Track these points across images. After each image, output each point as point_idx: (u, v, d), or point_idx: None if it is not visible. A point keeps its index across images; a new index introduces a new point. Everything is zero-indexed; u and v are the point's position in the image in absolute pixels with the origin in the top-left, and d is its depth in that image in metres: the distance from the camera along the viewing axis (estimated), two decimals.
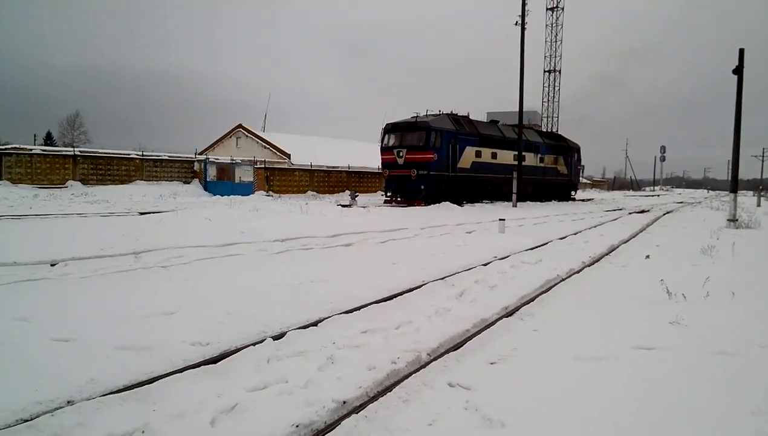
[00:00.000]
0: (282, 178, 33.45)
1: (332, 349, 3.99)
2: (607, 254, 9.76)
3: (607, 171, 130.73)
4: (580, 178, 47.22)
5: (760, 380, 3.55)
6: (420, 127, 23.69)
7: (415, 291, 6.00)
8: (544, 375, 3.64)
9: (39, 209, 14.64)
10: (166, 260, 7.60)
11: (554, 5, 52.58)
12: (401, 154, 23.81)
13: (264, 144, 38.12)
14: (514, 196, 25.29)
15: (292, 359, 3.79)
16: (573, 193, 37.74)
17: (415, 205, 22.66)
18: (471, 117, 27.73)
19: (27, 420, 2.75)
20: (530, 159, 30.22)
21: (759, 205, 30.09)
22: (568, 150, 35.72)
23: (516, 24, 26.68)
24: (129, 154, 27.71)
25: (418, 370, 3.69)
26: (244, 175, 29.11)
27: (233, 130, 40.80)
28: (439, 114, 25.32)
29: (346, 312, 4.99)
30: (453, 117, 25.79)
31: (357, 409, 3.07)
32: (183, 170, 29.35)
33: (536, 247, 10.15)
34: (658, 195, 64.97)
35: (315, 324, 4.59)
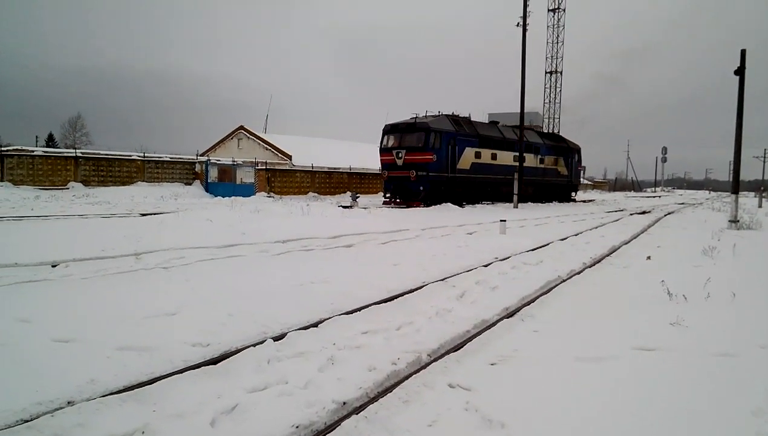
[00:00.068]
0: (283, 179, 33.49)
1: (332, 350, 4.00)
2: (608, 255, 9.75)
3: (609, 172, 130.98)
4: (581, 180, 47.20)
5: (760, 380, 3.55)
6: (419, 128, 23.66)
7: (415, 292, 6.00)
8: (545, 376, 3.64)
9: (40, 211, 14.66)
10: (167, 261, 7.61)
11: (556, 6, 52.57)
12: (400, 155, 23.80)
13: (265, 145, 38.17)
14: (515, 198, 25.28)
15: (292, 359, 3.79)
16: (573, 194, 37.72)
17: (414, 207, 22.64)
18: (472, 118, 27.72)
19: (27, 421, 2.75)
20: (530, 160, 30.19)
21: (760, 206, 30.01)
22: (568, 151, 35.69)
23: (517, 25, 26.72)
24: (130, 156, 27.75)
25: (418, 371, 3.69)
26: (246, 176, 29.13)
27: (234, 131, 40.89)
28: (438, 115, 25.30)
29: (347, 313, 4.99)
30: (452, 118, 25.78)
31: (357, 410, 3.07)
32: (184, 172, 29.40)
33: (537, 248, 10.14)
34: (660, 196, 64.91)
35: (315, 325, 4.59)
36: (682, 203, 39.65)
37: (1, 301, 5.12)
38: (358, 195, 25.17)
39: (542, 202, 30.95)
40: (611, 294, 6.34)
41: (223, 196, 24.90)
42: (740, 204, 16.69)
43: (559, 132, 48.38)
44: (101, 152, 27.74)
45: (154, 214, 14.11)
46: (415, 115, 24.69)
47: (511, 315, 5.29)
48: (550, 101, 54.00)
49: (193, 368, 3.49)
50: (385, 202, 25.27)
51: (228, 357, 3.72)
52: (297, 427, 2.84)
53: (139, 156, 28.00)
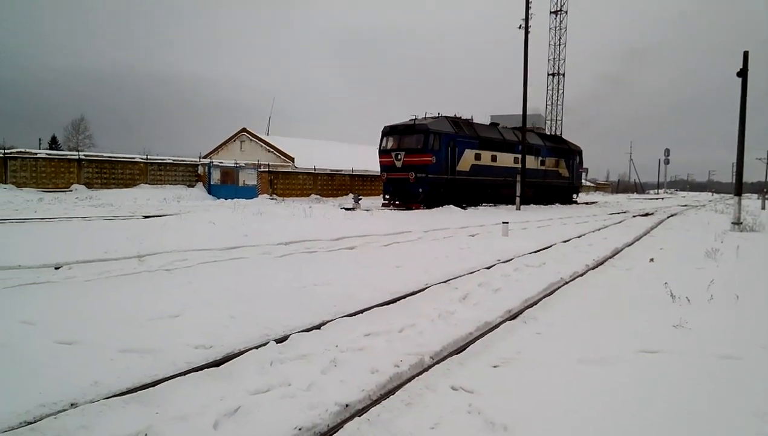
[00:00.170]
0: (286, 181, 33.54)
1: (335, 352, 4.00)
2: (610, 257, 9.73)
3: (611, 174, 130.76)
4: (583, 181, 47.14)
5: (762, 382, 3.54)
6: (418, 130, 23.63)
7: (418, 294, 6.00)
8: (548, 378, 3.63)
9: (44, 213, 14.70)
10: (170, 263, 7.62)
11: (558, 9, 52.56)
12: (399, 157, 23.78)
13: (268, 148, 38.23)
14: (517, 200, 25.25)
15: (295, 362, 3.79)
16: (574, 196, 37.65)
17: (413, 209, 22.63)
18: (475, 120, 27.71)
19: (30, 423, 2.76)
20: (531, 162, 30.16)
21: (763, 208, 29.92)
22: (569, 153, 35.64)
23: (519, 27, 26.75)
24: (133, 158, 27.83)
25: (421, 373, 3.69)
26: (248, 178, 29.18)
27: (237, 134, 40.97)
28: (438, 116, 25.28)
29: (350, 315, 4.99)
30: (452, 119, 25.77)
31: (360, 412, 3.07)
32: (187, 174, 29.46)
33: (540, 250, 10.13)
34: (662, 198, 64.71)
35: (318, 327, 4.59)
36: (685, 205, 39.55)
37: (4, 303, 5.14)
38: (360, 197, 25.19)
39: (543, 205, 30.90)
40: (614, 296, 6.33)
41: (226, 199, 24.94)
42: (743, 206, 16.62)
43: (561, 134, 48.31)
44: (104, 155, 27.82)
45: (157, 216, 14.15)
46: (414, 117, 24.69)
47: (513, 317, 5.28)
48: (552, 103, 53.95)
49: (196, 370, 3.50)
50: (384, 204, 25.26)
51: (231, 359, 3.72)
52: (300, 429, 2.84)
53: (141, 158, 28.07)
